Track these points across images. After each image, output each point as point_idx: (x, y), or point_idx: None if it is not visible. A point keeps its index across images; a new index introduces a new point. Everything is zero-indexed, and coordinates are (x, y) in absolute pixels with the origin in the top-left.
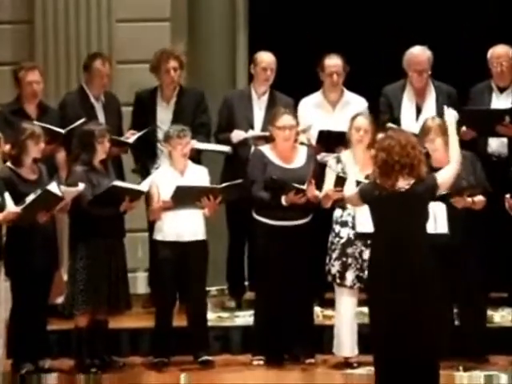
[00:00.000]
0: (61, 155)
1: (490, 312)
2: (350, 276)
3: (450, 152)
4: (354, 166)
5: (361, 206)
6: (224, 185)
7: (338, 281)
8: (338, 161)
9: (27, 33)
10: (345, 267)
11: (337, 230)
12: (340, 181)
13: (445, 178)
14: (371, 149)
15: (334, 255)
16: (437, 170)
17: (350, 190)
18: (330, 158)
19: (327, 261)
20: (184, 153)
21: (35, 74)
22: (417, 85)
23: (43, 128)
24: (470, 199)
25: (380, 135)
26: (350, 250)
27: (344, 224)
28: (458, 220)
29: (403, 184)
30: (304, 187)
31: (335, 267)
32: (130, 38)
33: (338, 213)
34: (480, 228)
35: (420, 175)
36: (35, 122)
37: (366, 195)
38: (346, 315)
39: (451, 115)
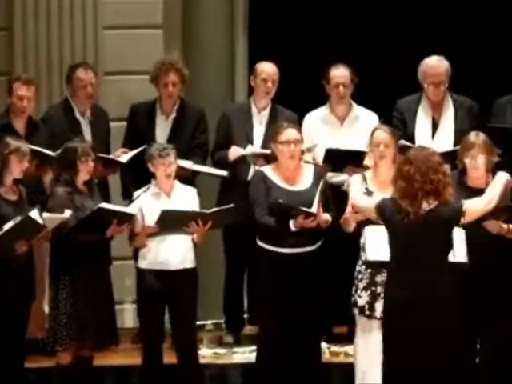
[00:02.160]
0: (48, 177)
1: None
2: (380, 307)
3: (488, 190)
4: (378, 186)
5: (372, 218)
6: (214, 210)
7: (367, 313)
8: (363, 180)
9: (4, 40)
10: (374, 297)
11: (364, 258)
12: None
13: (472, 208)
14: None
15: (362, 285)
16: (471, 190)
17: (365, 200)
18: (354, 176)
19: (353, 291)
20: (168, 173)
21: (29, 89)
22: (433, 98)
23: (33, 150)
24: (505, 226)
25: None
26: (379, 279)
27: None
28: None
29: (427, 206)
30: (314, 211)
31: (363, 298)
32: (118, 46)
33: (363, 238)
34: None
35: (446, 199)
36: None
37: (386, 214)
38: (376, 351)
39: (503, 177)
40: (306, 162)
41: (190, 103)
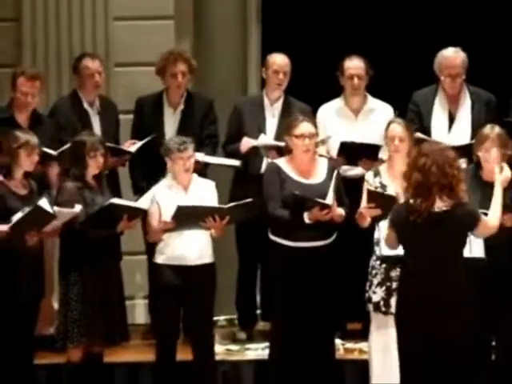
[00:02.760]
0: (53, 171)
1: None
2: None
3: (491, 210)
4: (392, 180)
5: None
6: (232, 204)
7: (383, 309)
8: (376, 174)
9: (13, 32)
10: (389, 293)
11: (378, 253)
12: (372, 196)
13: (487, 224)
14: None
15: (376, 281)
16: (485, 184)
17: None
18: (368, 172)
19: (367, 287)
20: (186, 168)
21: (33, 85)
22: (450, 91)
23: None
24: None
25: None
26: (393, 274)
27: None
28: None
29: (441, 205)
30: (329, 202)
31: (378, 294)
32: (128, 38)
33: (378, 233)
34: None
35: (459, 195)
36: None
37: (397, 220)
38: (392, 348)
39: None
40: (320, 155)
41: (197, 94)
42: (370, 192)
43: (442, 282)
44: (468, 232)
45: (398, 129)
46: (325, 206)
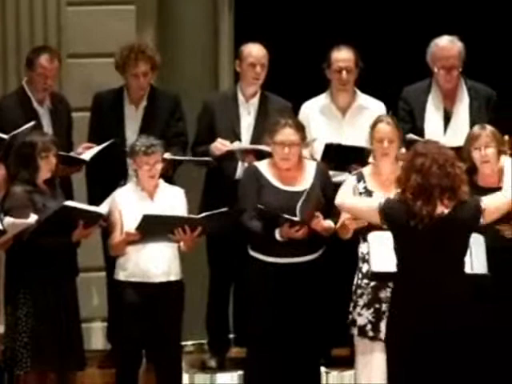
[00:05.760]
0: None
1: None
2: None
3: (503, 181)
4: (379, 186)
5: (374, 223)
6: (204, 214)
7: (370, 334)
8: (360, 179)
9: None
10: (378, 316)
11: (364, 270)
12: None
13: (491, 205)
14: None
15: (362, 301)
16: (482, 190)
17: (365, 201)
18: (350, 176)
19: (351, 308)
20: (151, 174)
21: None
22: (445, 85)
23: None
24: None
25: (402, 150)
26: (383, 295)
27: None
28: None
29: (442, 209)
30: (297, 219)
31: (364, 316)
32: (84, 25)
33: (364, 248)
34: None
35: (461, 198)
36: None
37: (394, 218)
38: (379, 377)
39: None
40: (304, 157)
41: (161, 89)
42: None
43: (441, 299)
44: (472, 230)
45: (387, 129)
46: (294, 223)
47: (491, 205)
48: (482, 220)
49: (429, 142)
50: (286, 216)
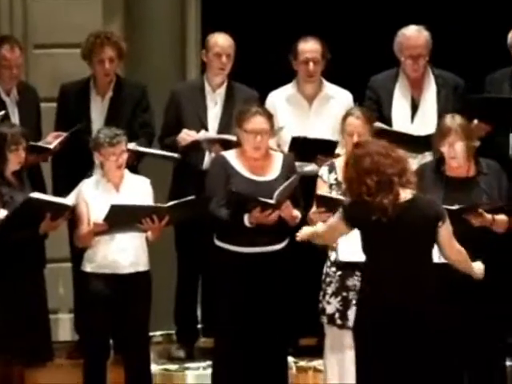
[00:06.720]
0: None
1: None
2: (353, 315)
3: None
4: None
5: (346, 233)
6: (172, 203)
7: (338, 322)
8: (331, 170)
9: None
10: (346, 304)
11: (333, 258)
12: (321, 200)
13: (447, 237)
14: None
15: (330, 290)
16: (450, 179)
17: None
18: (322, 167)
19: (320, 297)
20: (119, 164)
21: None
22: (412, 74)
23: None
24: (489, 216)
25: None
26: (350, 283)
27: None
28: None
29: (403, 197)
30: (273, 201)
31: (332, 305)
32: (49, 15)
33: None
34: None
35: (411, 181)
36: None
37: (356, 218)
38: (350, 367)
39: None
40: (271, 148)
41: (128, 80)
42: (318, 196)
43: (408, 290)
44: (434, 227)
45: (357, 122)
46: (268, 206)
47: (447, 236)
48: (440, 223)
49: (359, 143)
50: (260, 198)
